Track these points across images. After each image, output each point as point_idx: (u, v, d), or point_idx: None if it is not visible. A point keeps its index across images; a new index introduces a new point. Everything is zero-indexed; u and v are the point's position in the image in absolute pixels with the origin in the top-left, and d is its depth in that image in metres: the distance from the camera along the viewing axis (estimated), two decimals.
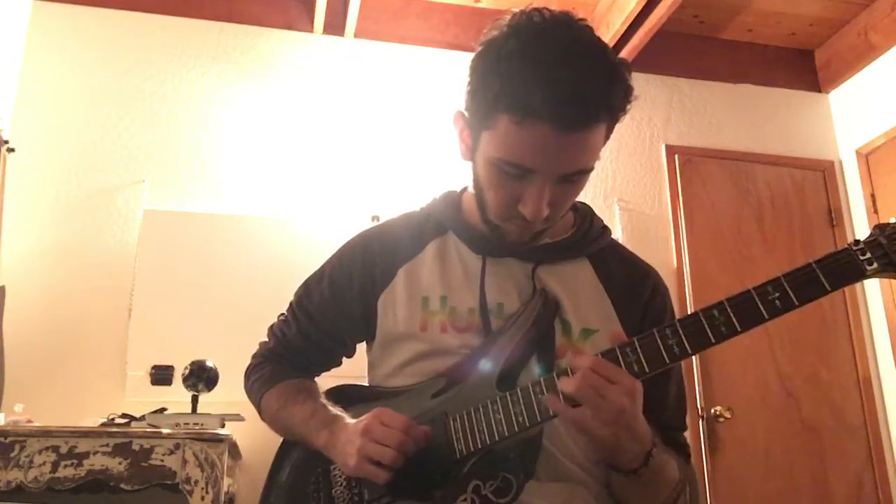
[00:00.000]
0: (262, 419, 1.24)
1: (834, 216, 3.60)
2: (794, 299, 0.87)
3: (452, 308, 1.11)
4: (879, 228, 0.87)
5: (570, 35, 0.96)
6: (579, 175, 1.01)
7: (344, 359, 1.29)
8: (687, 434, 1.19)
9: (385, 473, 0.96)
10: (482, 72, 0.99)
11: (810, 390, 3.33)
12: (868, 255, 0.86)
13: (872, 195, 3.49)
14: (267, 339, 1.30)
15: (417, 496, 1.00)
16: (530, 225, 1.04)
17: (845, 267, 0.86)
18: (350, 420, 1.06)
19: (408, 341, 1.12)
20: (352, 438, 1.00)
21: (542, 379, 0.95)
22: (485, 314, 1.09)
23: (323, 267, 1.27)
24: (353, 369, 1.30)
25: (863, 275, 0.86)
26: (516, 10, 1.00)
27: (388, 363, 1.15)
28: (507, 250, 1.12)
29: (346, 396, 1.17)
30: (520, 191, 1.00)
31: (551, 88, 0.92)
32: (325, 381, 1.28)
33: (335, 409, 1.11)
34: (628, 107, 1.00)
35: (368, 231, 1.26)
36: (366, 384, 1.21)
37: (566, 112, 0.92)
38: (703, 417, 3.17)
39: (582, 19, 0.99)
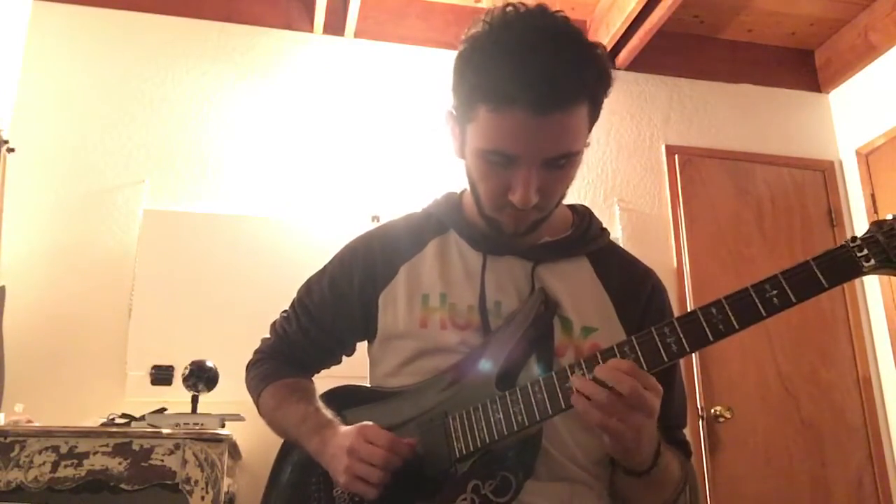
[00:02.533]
0: (261, 416, 1.25)
1: (834, 216, 3.60)
2: (792, 296, 0.87)
3: (452, 305, 1.11)
4: (877, 225, 0.86)
5: (540, 22, 0.98)
6: (565, 159, 1.01)
7: (344, 357, 1.30)
8: (685, 431, 1.19)
9: (374, 490, 0.98)
10: (460, 67, 1.02)
11: (810, 390, 3.32)
12: (865, 251, 0.85)
13: (872, 195, 3.49)
14: (269, 336, 1.31)
15: (418, 497, 1.00)
16: (523, 213, 1.04)
17: (842, 264, 0.86)
18: (341, 427, 1.07)
19: (408, 339, 1.12)
20: (338, 455, 1.01)
21: (541, 379, 0.96)
22: (484, 312, 1.09)
23: (325, 266, 1.27)
24: (353, 369, 1.30)
25: (860, 271, 0.86)
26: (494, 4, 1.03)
27: (389, 361, 1.15)
28: (507, 248, 1.12)
29: (346, 398, 1.17)
30: (507, 179, 1.01)
31: (522, 73, 0.94)
32: (326, 381, 1.28)
33: (328, 413, 1.12)
34: (609, 90, 1.02)
35: (370, 232, 1.27)
36: (366, 385, 1.21)
37: (539, 94, 0.93)
38: (703, 417, 3.17)
39: (558, 11, 1.01)
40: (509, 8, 1.00)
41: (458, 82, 1.03)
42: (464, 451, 0.99)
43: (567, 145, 0.99)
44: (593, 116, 1.03)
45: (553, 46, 0.95)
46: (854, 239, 0.87)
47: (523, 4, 1.01)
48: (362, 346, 1.27)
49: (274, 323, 1.30)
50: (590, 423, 0.89)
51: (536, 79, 0.93)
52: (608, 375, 0.87)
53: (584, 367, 0.93)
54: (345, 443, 1.01)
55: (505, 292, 1.10)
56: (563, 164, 1.01)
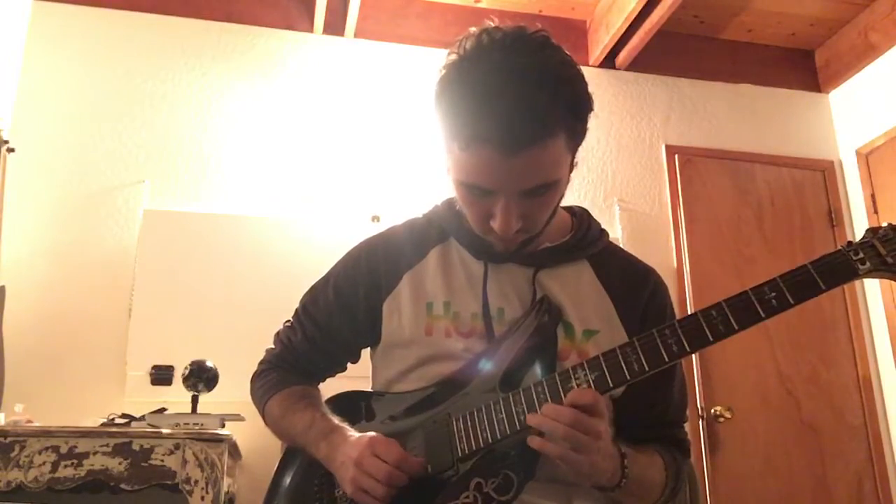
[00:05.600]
0: (267, 426, 1.24)
1: (834, 216, 3.60)
2: (790, 299, 0.90)
3: (456, 313, 1.12)
4: (872, 231, 0.91)
5: (510, 57, 0.95)
6: (544, 189, 1.00)
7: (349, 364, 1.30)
8: (686, 426, 1.20)
9: None
10: (435, 101, 1.02)
11: (810, 390, 3.32)
12: (861, 255, 0.89)
13: (872, 195, 3.49)
14: (273, 346, 1.30)
15: (421, 496, 1.00)
16: (509, 237, 1.05)
17: (839, 267, 0.90)
18: (350, 432, 1.07)
19: (412, 346, 1.13)
20: (347, 464, 1.01)
21: (544, 380, 0.97)
22: (487, 319, 1.10)
23: (328, 273, 1.27)
24: (360, 370, 1.30)
25: (856, 274, 0.90)
26: (474, 29, 1.00)
27: (392, 368, 1.16)
28: (507, 256, 1.13)
29: (351, 404, 1.17)
30: (488, 207, 1.02)
31: (488, 114, 0.93)
32: (330, 381, 1.28)
33: (334, 419, 1.12)
34: (589, 114, 1.00)
35: (373, 238, 1.26)
36: (369, 389, 1.22)
37: (506, 135, 0.93)
38: (703, 417, 3.17)
39: (537, 31, 0.99)
40: (484, 36, 0.98)
41: (435, 116, 1.03)
42: (466, 451, 1.00)
43: (544, 177, 0.99)
44: (573, 143, 1.01)
45: (520, 84, 0.93)
46: (850, 244, 0.91)
47: (499, 29, 0.98)
48: (367, 350, 1.27)
49: (278, 333, 1.30)
50: (546, 454, 0.92)
51: (503, 120, 0.92)
52: (550, 412, 0.91)
53: (586, 368, 0.95)
54: (353, 453, 1.01)
55: (507, 299, 1.11)
56: (542, 192, 1.01)
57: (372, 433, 1.04)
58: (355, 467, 0.99)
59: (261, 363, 1.30)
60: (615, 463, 0.97)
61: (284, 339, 1.27)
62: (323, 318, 1.23)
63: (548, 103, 0.94)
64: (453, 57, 1.00)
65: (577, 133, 1.00)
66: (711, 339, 0.91)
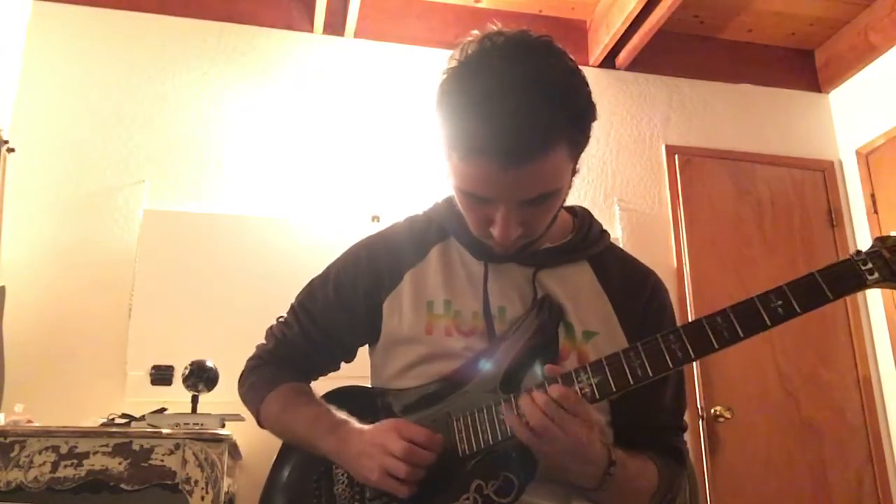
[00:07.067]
0: (262, 423, 1.22)
1: (834, 216, 3.60)
2: (797, 307, 0.89)
3: (457, 312, 1.12)
4: (881, 240, 0.90)
5: (510, 65, 0.93)
6: (543, 198, 0.99)
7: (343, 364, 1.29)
8: (686, 435, 1.19)
9: (407, 489, 0.97)
10: (435, 106, 1.00)
11: (810, 390, 3.33)
12: (869, 265, 0.88)
13: (872, 195, 3.49)
14: (265, 342, 1.28)
15: (421, 496, 0.99)
16: (507, 244, 1.04)
17: (847, 277, 0.89)
18: (358, 425, 1.06)
19: (412, 344, 1.13)
20: (370, 452, 1.00)
21: (545, 381, 0.97)
22: (488, 318, 1.10)
23: (328, 269, 1.27)
24: (354, 370, 1.30)
25: (864, 284, 0.89)
26: (477, 32, 0.99)
27: (392, 366, 1.16)
28: (507, 256, 1.13)
29: (350, 400, 1.17)
30: (488, 213, 1.01)
31: (487, 126, 0.91)
32: (329, 381, 1.28)
33: (340, 414, 1.11)
34: (592, 121, 0.99)
35: (373, 236, 1.26)
36: (369, 385, 1.21)
37: (505, 148, 0.91)
38: (703, 417, 3.17)
39: (539, 37, 0.97)
40: (486, 41, 0.96)
41: (435, 120, 1.01)
42: (467, 452, 1.00)
43: (543, 187, 0.97)
44: (575, 152, 1.00)
45: (521, 95, 0.90)
46: (858, 253, 0.90)
47: (501, 34, 0.96)
48: (363, 349, 1.26)
49: (270, 328, 1.29)
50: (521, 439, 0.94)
51: (502, 133, 0.90)
52: (525, 405, 0.93)
53: (589, 371, 0.95)
54: (377, 440, 1.00)
55: (508, 298, 1.11)
56: (542, 201, 1.00)
57: (394, 420, 1.03)
58: (384, 453, 0.98)
59: (251, 359, 1.28)
60: (596, 467, 0.97)
61: (278, 333, 1.26)
62: (321, 314, 1.22)
63: (549, 115, 0.92)
64: (454, 62, 0.98)
65: (578, 143, 0.99)
66: (716, 346, 0.91)
